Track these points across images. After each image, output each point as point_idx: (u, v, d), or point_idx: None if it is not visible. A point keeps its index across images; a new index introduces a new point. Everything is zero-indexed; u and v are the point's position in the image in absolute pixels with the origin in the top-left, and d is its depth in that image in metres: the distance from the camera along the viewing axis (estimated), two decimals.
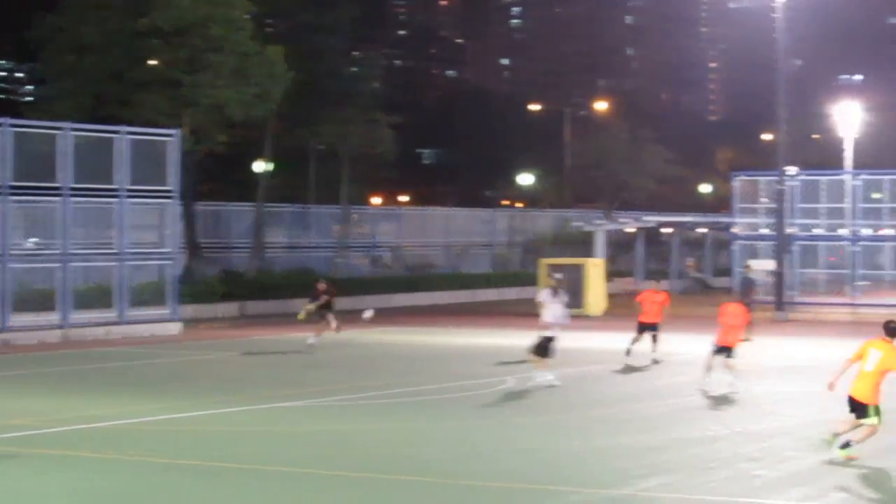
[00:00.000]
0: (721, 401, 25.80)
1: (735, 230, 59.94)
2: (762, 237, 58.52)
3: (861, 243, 57.65)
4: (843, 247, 57.60)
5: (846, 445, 18.62)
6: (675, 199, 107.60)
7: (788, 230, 55.89)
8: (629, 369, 31.62)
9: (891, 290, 59.30)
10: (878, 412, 18.58)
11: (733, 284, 55.91)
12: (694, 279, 74.98)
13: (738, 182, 60.63)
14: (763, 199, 58.34)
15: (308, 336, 37.14)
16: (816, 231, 59.00)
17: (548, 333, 27.99)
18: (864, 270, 58.62)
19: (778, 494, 16.51)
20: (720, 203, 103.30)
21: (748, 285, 43.76)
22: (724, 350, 27.26)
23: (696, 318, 43.88)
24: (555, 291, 28.60)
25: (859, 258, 57.24)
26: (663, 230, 74.79)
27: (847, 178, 58.75)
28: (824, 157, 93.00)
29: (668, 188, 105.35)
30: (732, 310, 28.00)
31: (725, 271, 66.30)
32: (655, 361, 32.71)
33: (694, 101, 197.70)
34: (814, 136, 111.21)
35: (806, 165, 76.28)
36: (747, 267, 48.42)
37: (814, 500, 16.12)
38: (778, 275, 53.36)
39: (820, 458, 18.98)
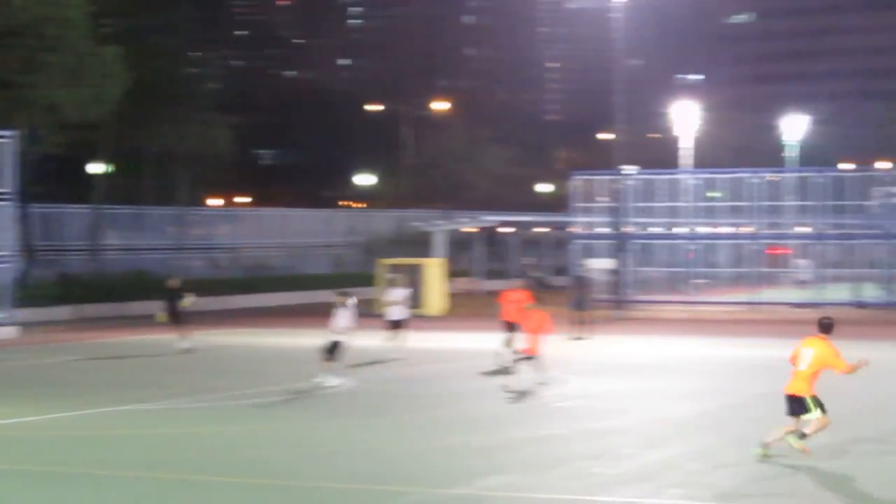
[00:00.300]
0: (560, 399, 25.91)
1: (573, 229, 60.41)
2: (600, 236, 59.05)
3: (698, 241, 58.57)
4: (681, 245, 58.43)
5: (802, 436, 18.60)
6: (514, 198, 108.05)
7: (626, 229, 56.54)
8: (478, 368, 31.65)
9: (727, 287, 60.37)
10: (817, 403, 18.54)
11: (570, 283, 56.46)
12: (533, 278, 75.42)
13: (577, 181, 61.07)
14: (601, 199, 58.88)
15: (175, 339, 36.49)
16: (654, 230, 59.79)
17: (336, 337, 28.20)
18: (701, 269, 59.62)
19: (616, 492, 16.54)
20: (559, 202, 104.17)
21: (582, 284, 43.96)
22: (530, 358, 27.44)
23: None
24: (344, 303, 28.75)
25: (697, 257, 58.16)
26: (502, 230, 75.15)
27: (684, 177, 59.61)
28: (662, 156, 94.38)
29: (508, 188, 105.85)
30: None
31: (564, 270, 66.86)
32: (503, 359, 32.40)
33: (533, 100, 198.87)
34: (652, 135, 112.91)
35: (644, 164, 77.28)
36: (582, 265, 48.81)
37: (652, 498, 16.18)
38: (616, 273, 53.93)
39: (658, 454, 19.12)
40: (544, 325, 27.86)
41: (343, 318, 28.55)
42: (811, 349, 18.75)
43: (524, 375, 27.27)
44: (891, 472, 18.03)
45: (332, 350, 28.33)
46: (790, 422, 18.64)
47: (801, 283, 60.44)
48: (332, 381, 27.93)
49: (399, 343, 34.27)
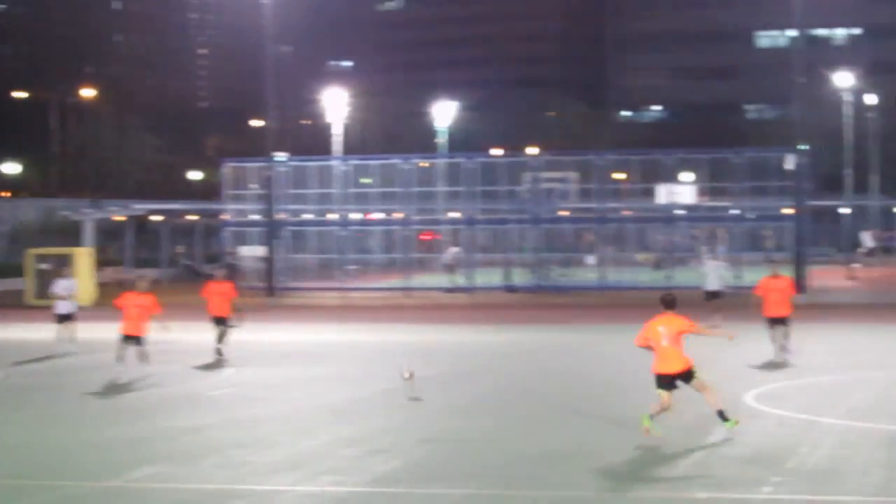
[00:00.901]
0: (212, 388, 25.46)
1: (225, 217, 59.79)
2: (253, 223, 58.67)
3: (350, 228, 58.83)
4: (333, 232, 58.56)
5: (724, 418, 18.84)
6: (165, 186, 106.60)
7: (278, 216, 56.28)
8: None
9: (379, 273, 60.90)
10: (692, 374, 18.95)
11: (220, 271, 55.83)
12: (184, 266, 74.52)
13: (228, 169, 60.51)
14: (253, 186, 58.45)
15: None
16: (306, 217, 59.76)
17: None
18: (353, 255, 59.93)
19: (268, 480, 16.26)
20: (211, 190, 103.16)
21: (233, 271, 43.41)
22: (134, 339, 26.85)
23: (186, 307, 43.31)
24: None
25: (349, 243, 58.42)
26: (153, 218, 73.86)
27: (336, 163, 59.77)
28: (314, 142, 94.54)
29: (159, 176, 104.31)
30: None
31: (216, 258, 66.14)
32: (219, 353, 31.30)
33: (183, 87, 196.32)
34: (304, 121, 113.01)
35: (296, 151, 77.23)
36: (231, 253, 48.23)
37: (304, 485, 15.97)
38: (268, 261, 53.63)
39: (312, 442, 18.93)
40: (149, 310, 27.08)
41: None
42: (666, 326, 19.21)
43: (129, 363, 26.54)
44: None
45: None
46: (666, 396, 18.99)
47: (450, 268, 61.65)
48: None
49: (69, 335, 32.87)
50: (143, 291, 27.29)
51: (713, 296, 37.91)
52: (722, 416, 18.92)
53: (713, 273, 38.80)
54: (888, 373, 26.09)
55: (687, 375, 19.00)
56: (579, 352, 32.29)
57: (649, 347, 19.17)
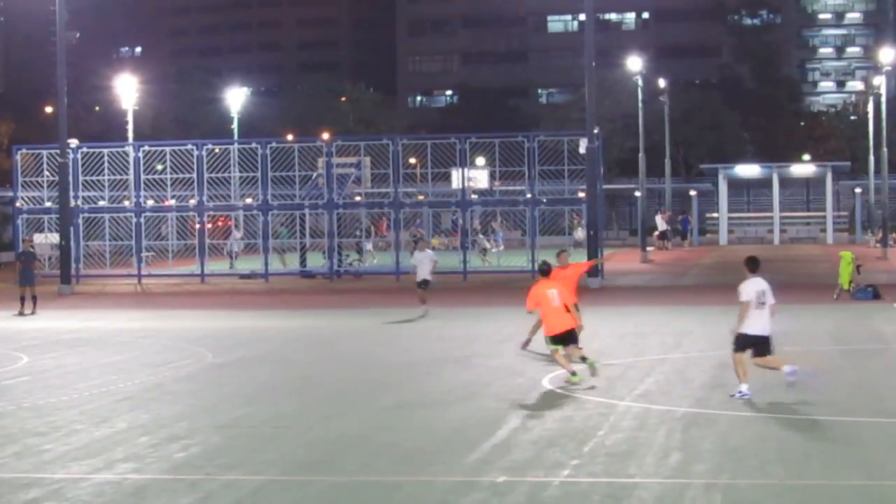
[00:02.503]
0: (7, 376, 25.24)
1: (18, 204, 58.87)
2: (47, 210, 57.90)
3: (145, 214, 58.40)
4: (128, 218, 58.08)
5: (583, 360, 22.34)
6: None
7: (73, 203, 55.61)
8: None
9: (175, 260, 60.57)
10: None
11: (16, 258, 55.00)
12: None
13: (20, 156, 59.62)
14: (47, 172, 57.66)
15: None
16: (101, 203, 59.15)
17: None
18: (148, 241, 59.50)
19: (66, 468, 16.26)
20: (3, 177, 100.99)
21: (27, 259, 42.75)
22: None
23: None
24: None
25: (144, 229, 57.99)
26: None
27: (129, 149, 59.24)
28: (107, 128, 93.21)
29: None
30: None
31: (9, 246, 65.02)
32: None
33: None
34: (96, 108, 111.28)
35: (89, 137, 76.15)
36: (26, 241, 47.52)
37: (103, 473, 15.98)
38: (63, 248, 52.95)
39: (108, 429, 18.98)
40: None
41: None
42: (553, 288, 22.51)
43: None
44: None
45: None
46: (564, 352, 22.40)
47: (236, 255, 61.83)
48: None
49: None
50: None
51: (423, 284, 37.05)
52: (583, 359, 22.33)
53: (425, 262, 37.34)
54: (684, 354, 26.92)
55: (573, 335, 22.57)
56: (374, 336, 32.74)
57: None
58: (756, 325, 20.49)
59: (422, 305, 36.74)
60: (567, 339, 22.52)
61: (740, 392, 20.48)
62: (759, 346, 20.53)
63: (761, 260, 21.45)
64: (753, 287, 20.56)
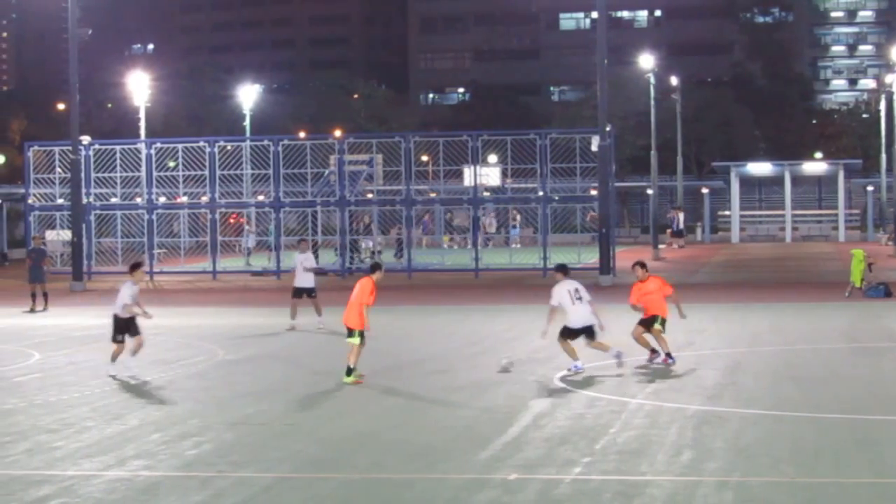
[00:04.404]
0: (19, 373, 25.27)
1: (30, 201, 58.97)
2: (59, 207, 58.01)
3: (157, 211, 58.46)
4: (140, 215, 58.13)
5: (349, 372, 22.88)
6: None
7: (85, 200, 55.69)
8: None
9: (187, 257, 60.59)
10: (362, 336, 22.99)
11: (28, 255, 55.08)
12: None
13: (32, 152, 59.73)
14: (58, 169, 57.77)
15: None
16: (113, 200, 59.24)
17: None
18: (160, 238, 59.55)
19: (78, 465, 16.30)
20: (15, 174, 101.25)
21: (39, 255, 42.81)
22: None
23: None
24: None
25: (156, 226, 58.05)
26: None
27: (141, 146, 59.30)
28: (119, 125, 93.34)
29: None
30: None
31: (23, 242, 65.14)
32: None
33: None
34: (108, 104, 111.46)
35: (101, 134, 76.26)
36: (36, 238, 47.59)
37: (115, 469, 16.01)
38: (75, 245, 52.98)
39: (120, 426, 19.01)
40: None
41: None
42: (357, 285, 23.30)
43: None
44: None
45: None
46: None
47: (250, 251, 61.92)
48: None
49: None
50: None
51: (300, 293, 33.50)
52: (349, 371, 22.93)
53: (303, 267, 33.70)
54: (695, 352, 26.85)
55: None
56: (386, 333, 32.66)
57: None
58: (579, 318, 23.50)
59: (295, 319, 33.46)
60: (581, 333, 23.74)
61: (575, 367, 23.38)
62: (587, 333, 23.57)
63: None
64: (564, 288, 23.61)
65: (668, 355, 24.70)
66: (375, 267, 23.87)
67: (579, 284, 23.87)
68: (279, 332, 32.79)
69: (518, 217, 71.78)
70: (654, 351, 24.88)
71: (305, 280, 33.45)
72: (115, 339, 24.34)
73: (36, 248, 43.31)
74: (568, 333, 23.57)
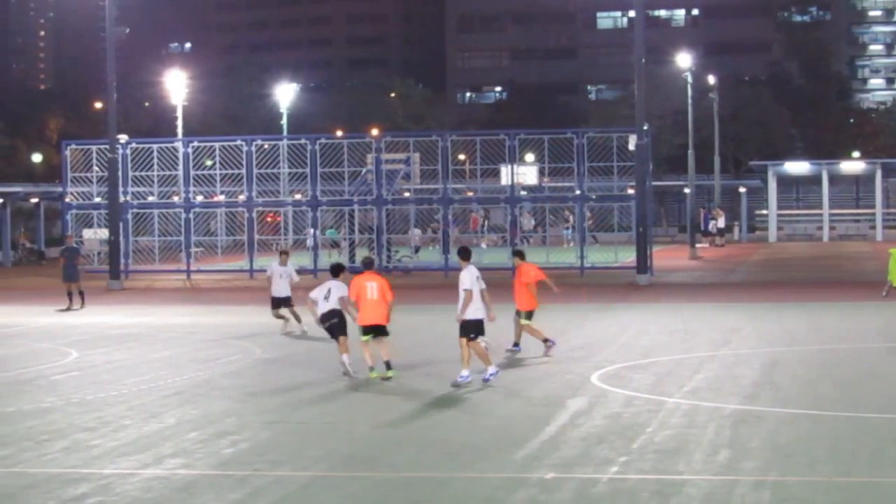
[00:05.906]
0: (57, 371, 25.37)
1: (68, 200, 59.21)
2: (96, 206, 58.22)
3: (194, 210, 58.61)
4: (178, 213, 58.30)
5: (388, 367, 22.91)
6: (6, 169, 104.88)
7: (122, 198, 55.88)
8: None
9: (224, 255, 60.74)
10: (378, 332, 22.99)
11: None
12: (28, 250, 73.61)
13: (69, 151, 59.95)
14: (96, 168, 57.99)
15: None
16: (150, 199, 59.41)
17: None
18: (197, 237, 59.71)
19: (115, 463, 16.34)
20: (52, 172, 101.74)
21: (74, 254, 42.91)
22: None
23: (29, 290, 43.00)
24: None
25: (193, 225, 58.21)
26: None
27: (178, 145, 59.46)
28: (156, 124, 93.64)
29: None
30: None
31: (60, 241, 65.40)
32: None
33: (23, 69, 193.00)
34: (145, 103, 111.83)
35: (138, 133, 76.53)
36: (69, 237, 47.74)
37: (152, 468, 16.06)
38: (112, 243, 53.16)
39: (157, 424, 19.06)
40: None
41: None
42: (374, 282, 22.95)
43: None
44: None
45: None
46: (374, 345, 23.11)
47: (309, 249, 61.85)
48: None
49: None
50: None
51: (279, 303, 32.80)
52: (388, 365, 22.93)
53: (280, 276, 33.01)
54: (733, 351, 26.75)
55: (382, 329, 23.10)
56: (422, 333, 32.60)
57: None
58: (478, 309, 22.32)
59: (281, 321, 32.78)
60: (377, 330, 23.28)
61: (491, 373, 22.20)
62: (478, 328, 22.31)
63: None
64: (470, 274, 22.39)
65: (516, 344, 26.42)
66: (368, 264, 24.06)
67: (479, 273, 22.73)
68: (315, 331, 32.74)
69: (571, 218, 71.45)
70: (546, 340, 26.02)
71: (282, 290, 32.82)
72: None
73: (69, 246, 43.41)
74: (468, 328, 22.13)
